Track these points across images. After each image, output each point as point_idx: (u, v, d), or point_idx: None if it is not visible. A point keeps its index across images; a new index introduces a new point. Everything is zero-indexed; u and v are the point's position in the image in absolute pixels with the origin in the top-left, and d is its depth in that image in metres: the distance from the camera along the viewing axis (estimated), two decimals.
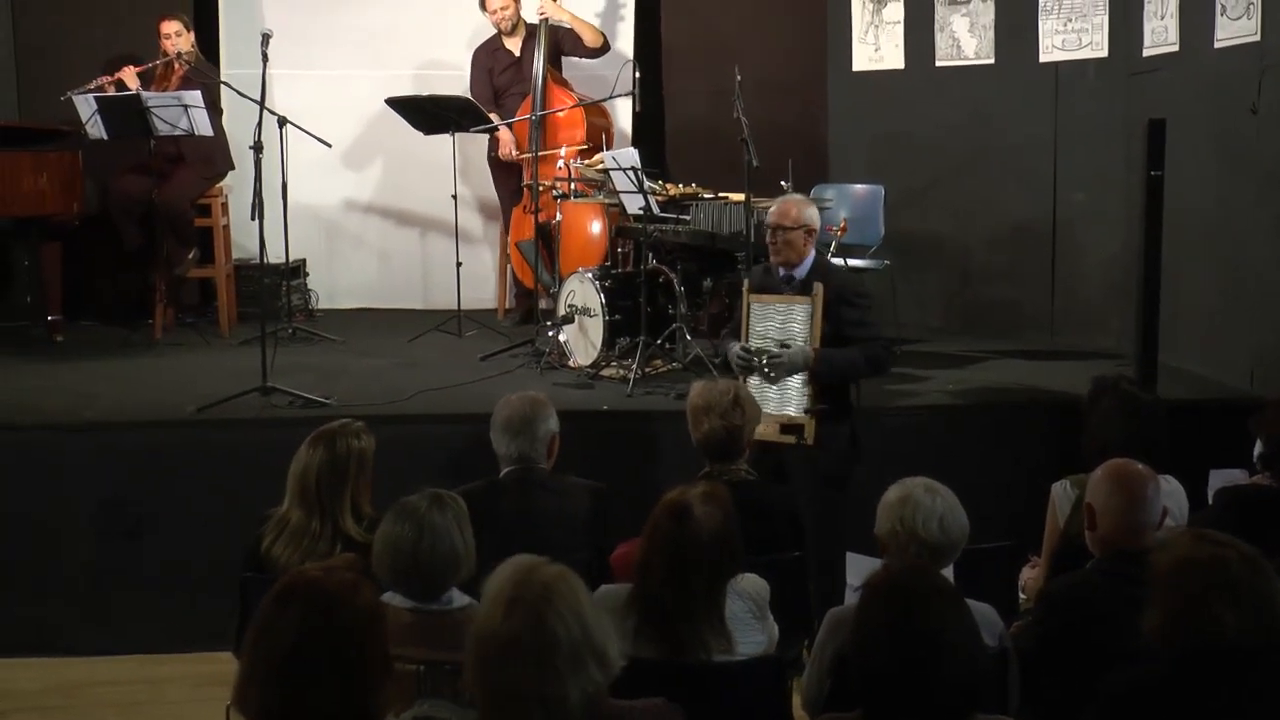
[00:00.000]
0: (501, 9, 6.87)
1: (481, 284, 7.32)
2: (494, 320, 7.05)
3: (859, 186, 6.77)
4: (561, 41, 6.96)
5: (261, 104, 5.48)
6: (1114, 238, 6.32)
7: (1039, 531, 3.75)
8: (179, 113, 6.14)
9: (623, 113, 7.28)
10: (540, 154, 6.39)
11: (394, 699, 2.17)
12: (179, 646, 4.58)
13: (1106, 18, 6.44)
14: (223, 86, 6.53)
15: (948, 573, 2.92)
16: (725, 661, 2.75)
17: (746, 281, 4.70)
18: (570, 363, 5.76)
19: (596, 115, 6.82)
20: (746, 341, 4.53)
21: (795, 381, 4.45)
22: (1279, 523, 3.32)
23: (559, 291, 5.87)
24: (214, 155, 6.68)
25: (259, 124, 5.35)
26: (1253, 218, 5.34)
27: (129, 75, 6.52)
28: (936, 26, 7.00)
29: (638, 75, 6.12)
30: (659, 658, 2.69)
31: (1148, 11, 6.08)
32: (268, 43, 5.65)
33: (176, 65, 6.64)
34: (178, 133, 6.23)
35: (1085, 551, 3.08)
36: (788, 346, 4.42)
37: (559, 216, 6.18)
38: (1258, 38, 5.21)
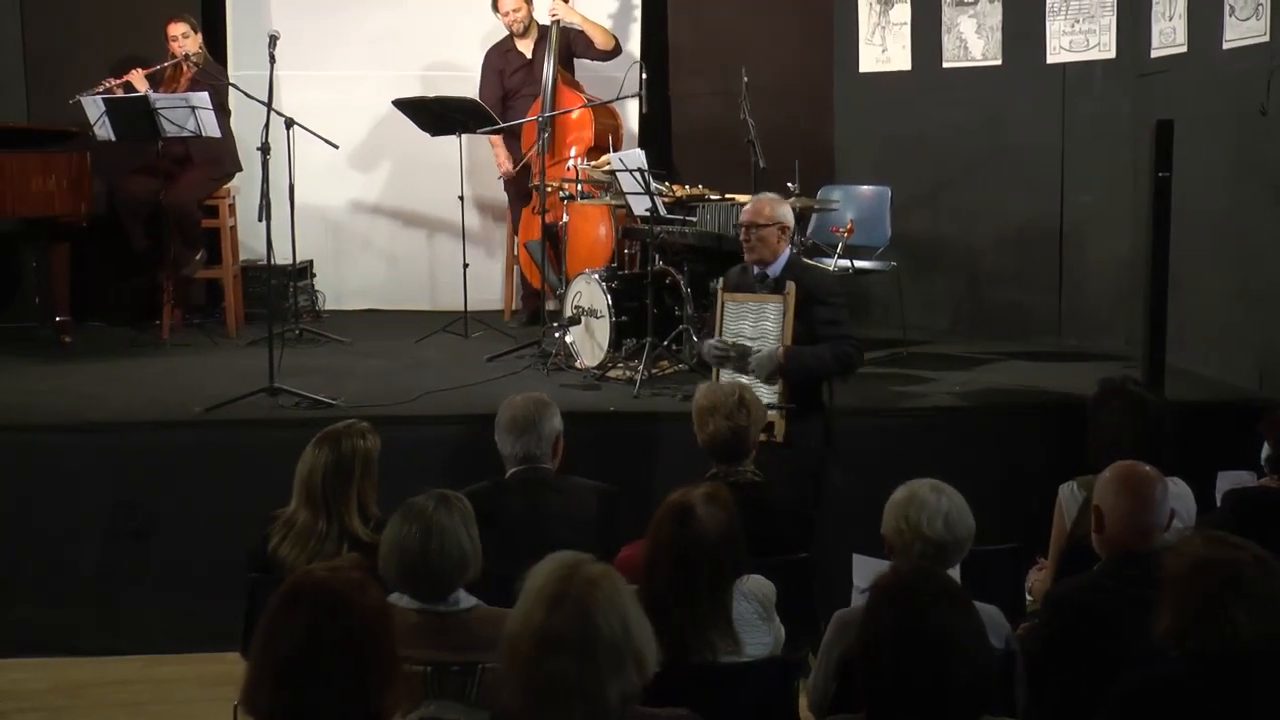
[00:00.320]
0: (514, 10, 6.88)
1: (488, 285, 7.32)
2: (500, 321, 7.05)
3: (865, 188, 6.76)
4: (573, 43, 6.97)
5: (269, 105, 5.49)
6: (1121, 239, 6.31)
7: (1046, 533, 3.74)
8: (186, 114, 6.16)
9: (629, 114, 7.29)
10: (552, 158, 6.41)
11: (402, 699, 2.17)
12: (186, 646, 4.58)
13: (1114, 19, 6.44)
14: (230, 88, 6.54)
15: (954, 574, 2.91)
16: (732, 663, 2.75)
17: (721, 280, 4.74)
18: (577, 364, 5.76)
19: (605, 117, 6.82)
20: (720, 339, 4.57)
21: (763, 383, 4.46)
22: None
23: (565, 293, 5.87)
24: (221, 156, 6.69)
25: (266, 125, 5.36)
26: (1261, 219, 5.33)
27: (137, 77, 6.53)
28: (944, 28, 6.99)
29: (644, 76, 6.13)
30: (667, 660, 2.69)
31: (1156, 12, 6.08)
32: (275, 44, 5.66)
33: (184, 67, 6.65)
34: (185, 134, 6.25)
35: (1092, 553, 3.08)
36: (757, 350, 4.45)
37: (566, 218, 6.19)
38: (1267, 38, 5.20)
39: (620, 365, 5.57)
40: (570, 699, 2.03)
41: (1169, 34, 5.98)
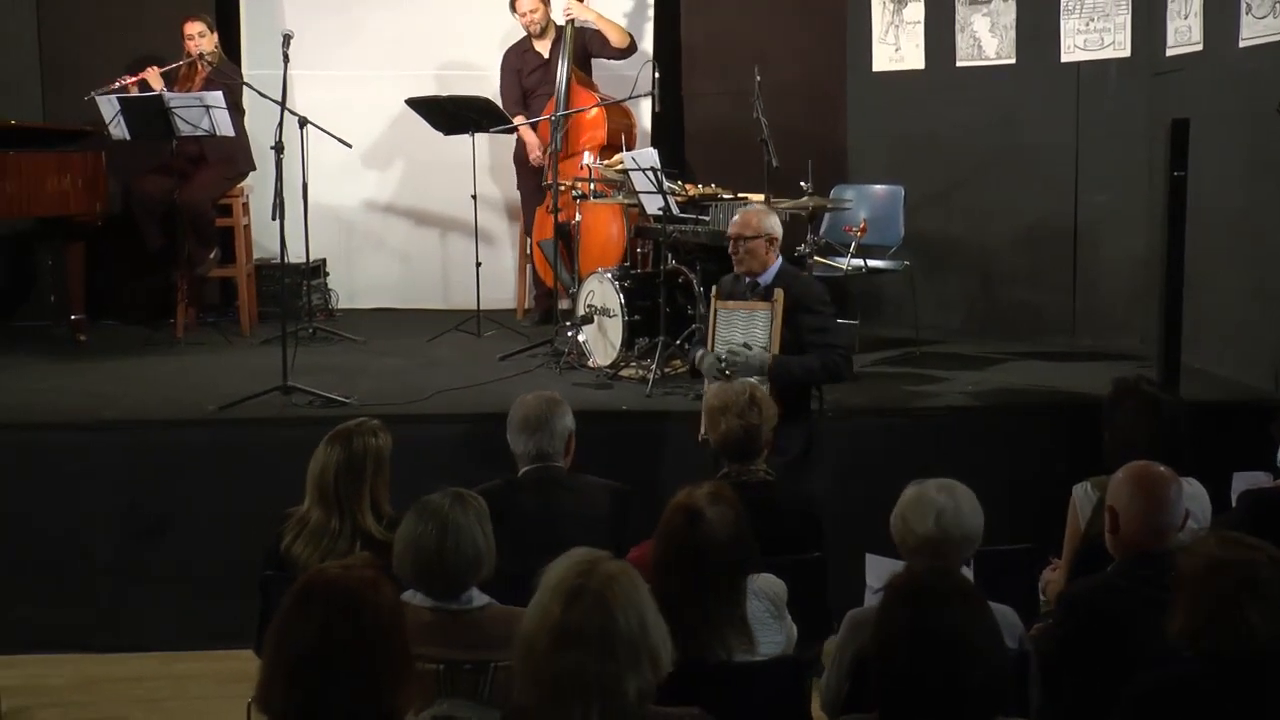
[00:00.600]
0: (531, 11, 6.89)
1: (501, 284, 7.33)
2: (513, 320, 7.06)
3: (879, 187, 6.75)
4: (589, 42, 6.97)
5: (283, 104, 5.50)
6: (1136, 239, 6.29)
7: (1060, 533, 3.73)
8: (201, 113, 6.18)
9: (643, 113, 7.28)
10: (566, 157, 6.41)
11: (415, 697, 2.17)
12: (200, 644, 4.61)
13: (1129, 17, 6.41)
14: (244, 87, 6.56)
15: (966, 574, 2.91)
16: (744, 662, 2.75)
17: (715, 288, 4.79)
18: (589, 363, 5.76)
19: (619, 116, 6.82)
20: (711, 347, 4.62)
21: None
22: None
23: (578, 292, 5.87)
24: (235, 155, 6.71)
25: (280, 124, 5.37)
26: (1277, 218, 5.30)
27: (153, 76, 6.55)
28: (957, 26, 6.97)
29: (657, 75, 6.13)
30: (682, 659, 2.68)
31: (1171, 11, 6.05)
32: (289, 43, 5.67)
33: (199, 66, 6.67)
34: (199, 133, 6.27)
35: (1106, 554, 3.07)
36: (749, 348, 4.49)
37: (578, 217, 6.19)
38: None
39: (633, 364, 5.57)
40: (588, 694, 2.03)
41: (1184, 32, 5.95)
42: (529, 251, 7.09)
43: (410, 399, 5.18)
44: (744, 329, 4.59)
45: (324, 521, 3.29)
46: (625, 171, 5.79)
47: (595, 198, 6.30)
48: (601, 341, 5.73)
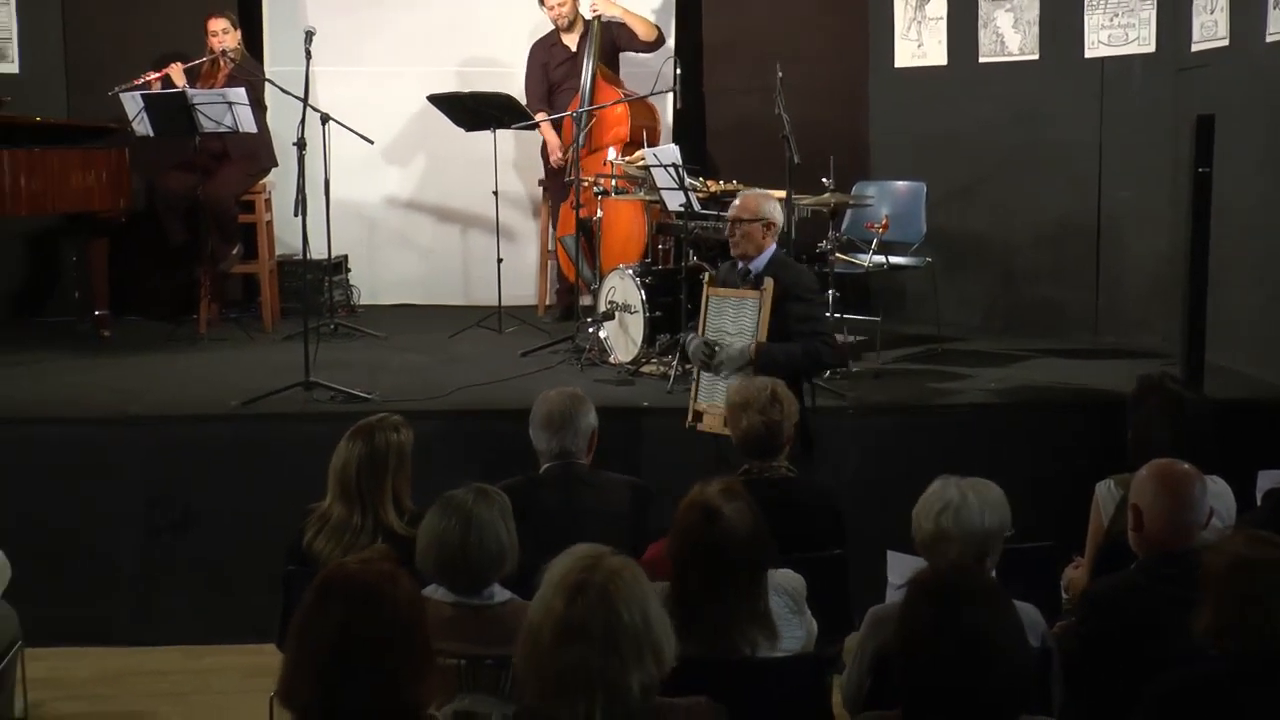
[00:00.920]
0: (559, 5, 6.89)
1: (522, 280, 7.33)
2: (534, 316, 7.06)
3: (901, 183, 6.73)
4: (616, 36, 6.97)
5: (305, 101, 5.52)
6: (1160, 236, 6.25)
7: (1082, 531, 3.71)
8: (224, 109, 6.20)
9: (668, 111, 7.27)
10: (585, 148, 6.42)
11: (437, 689, 2.18)
12: (224, 638, 4.63)
13: (1154, 12, 6.37)
14: (267, 83, 6.58)
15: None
16: (764, 658, 2.74)
17: (707, 275, 4.79)
18: (610, 359, 5.76)
19: (643, 114, 6.80)
20: (703, 334, 4.63)
21: (735, 377, 4.46)
22: None
23: (599, 288, 5.88)
24: (258, 152, 6.74)
25: (302, 121, 5.38)
26: None
27: (176, 72, 6.59)
28: (980, 22, 6.95)
29: (679, 71, 6.12)
30: (702, 655, 2.68)
31: (1196, 5, 6.01)
32: (311, 40, 5.68)
33: (222, 63, 6.70)
34: (222, 129, 6.29)
35: (1129, 552, 3.05)
36: (728, 345, 4.50)
37: (600, 213, 6.19)
38: None
39: (654, 360, 5.57)
40: (592, 688, 2.03)
41: (1210, 27, 5.91)
42: (552, 247, 7.10)
43: (432, 395, 5.19)
44: (734, 317, 4.60)
45: (346, 517, 3.30)
46: (647, 168, 5.79)
47: (617, 194, 6.31)
48: (623, 338, 5.73)
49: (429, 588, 2.75)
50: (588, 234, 6.34)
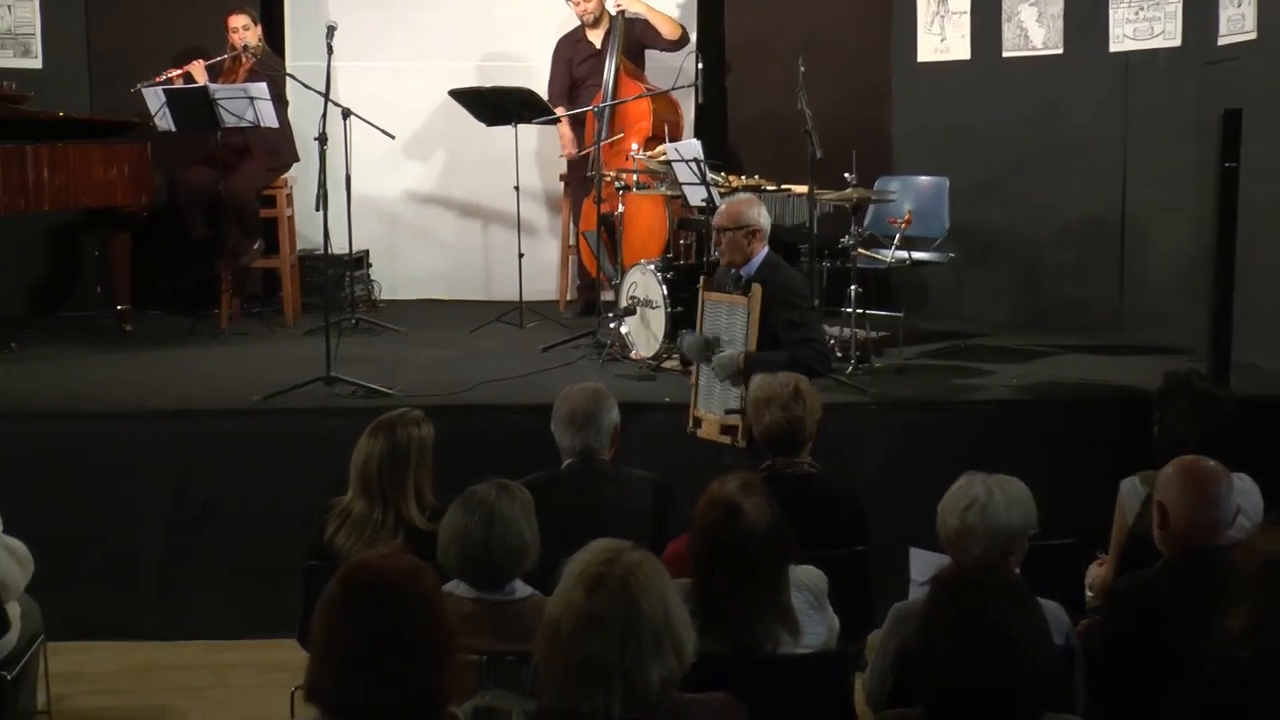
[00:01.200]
0: (585, 1, 6.88)
1: (543, 275, 7.33)
2: (555, 312, 7.06)
3: (924, 179, 6.70)
4: (641, 35, 6.96)
5: (326, 96, 5.52)
6: (1185, 231, 6.20)
7: (1107, 529, 3.69)
8: (245, 105, 6.21)
9: (691, 107, 7.25)
10: (609, 140, 6.41)
11: (460, 681, 2.17)
12: (244, 633, 4.65)
13: (1180, 6, 6.31)
14: (288, 79, 6.59)
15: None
16: (787, 655, 2.73)
17: (703, 279, 4.82)
18: (632, 354, 5.75)
19: (666, 109, 6.78)
20: (701, 333, 4.65)
21: (727, 382, 4.51)
22: None
23: (621, 283, 5.86)
24: (279, 147, 6.75)
25: (324, 116, 5.39)
26: None
27: (197, 68, 6.61)
28: (1004, 16, 6.90)
29: (700, 66, 6.09)
30: (726, 651, 2.67)
31: None
32: (332, 35, 5.69)
33: (244, 58, 6.71)
34: (244, 124, 6.31)
35: (1154, 549, 3.03)
36: (721, 350, 4.52)
37: (621, 208, 6.18)
38: None
39: (675, 356, 5.55)
40: (611, 680, 2.03)
41: (1237, 20, 5.86)
42: (574, 242, 7.10)
43: (453, 390, 5.19)
44: (725, 322, 4.62)
45: (367, 512, 3.30)
46: (669, 162, 5.77)
47: (639, 189, 6.29)
48: (644, 333, 5.72)
49: (450, 583, 2.74)
50: (609, 229, 6.33)
